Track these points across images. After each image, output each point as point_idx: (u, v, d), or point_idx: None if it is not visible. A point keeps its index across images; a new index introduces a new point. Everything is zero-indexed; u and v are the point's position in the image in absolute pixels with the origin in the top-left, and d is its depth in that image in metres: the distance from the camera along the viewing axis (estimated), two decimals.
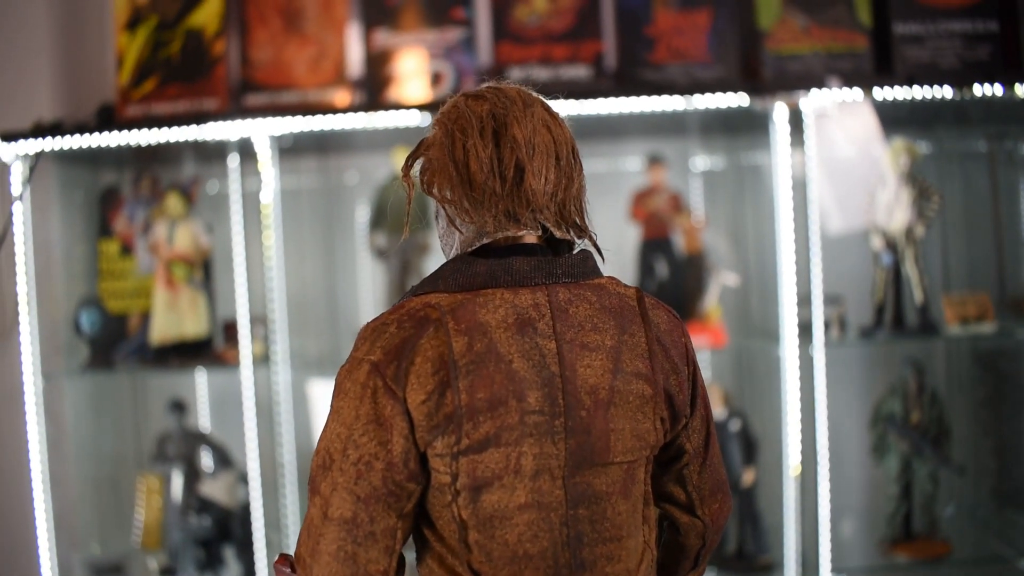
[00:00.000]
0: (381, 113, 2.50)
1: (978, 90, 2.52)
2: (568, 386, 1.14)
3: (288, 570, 1.32)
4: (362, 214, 3.02)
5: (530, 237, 1.21)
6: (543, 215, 1.18)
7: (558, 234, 1.21)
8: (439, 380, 1.11)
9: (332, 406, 1.16)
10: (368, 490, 1.11)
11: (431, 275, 1.21)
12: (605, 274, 1.26)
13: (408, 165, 1.23)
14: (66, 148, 2.62)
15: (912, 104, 2.60)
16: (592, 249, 1.25)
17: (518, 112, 1.17)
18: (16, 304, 2.67)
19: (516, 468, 1.13)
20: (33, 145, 2.60)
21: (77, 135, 2.58)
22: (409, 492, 1.14)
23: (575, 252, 1.24)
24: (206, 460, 2.80)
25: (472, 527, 1.14)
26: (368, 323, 1.18)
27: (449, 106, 1.22)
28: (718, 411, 2.69)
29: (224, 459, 2.80)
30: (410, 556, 1.23)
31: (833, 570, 2.57)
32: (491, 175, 1.15)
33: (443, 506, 1.15)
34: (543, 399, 1.13)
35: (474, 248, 1.20)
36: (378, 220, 2.78)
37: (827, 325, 2.60)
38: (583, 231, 1.22)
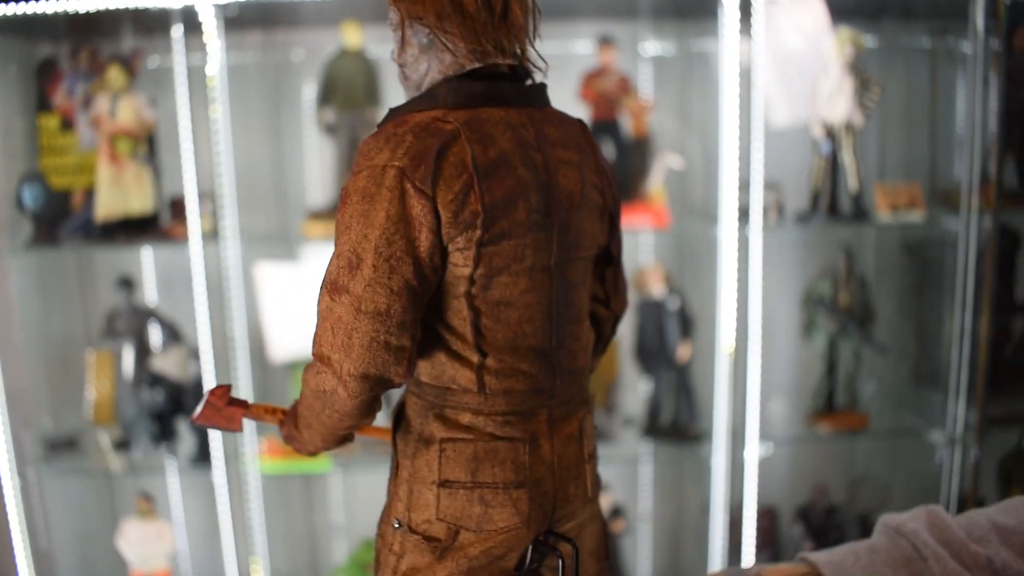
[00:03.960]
0: None
1: None
2: (554, 191, 1.33)
3: (221, 403, 1.43)
4: (309, 91, 2.98)
5: (504, 67, 1.35)
6: (519, 46, 1.33)
7: (524, 64, 1.35)
8: (463, 182, 1.25)
9: (354, 211, 1.25)
10: (401, 283, 1.24)
11: (423, 95, 1.32)
12: None
13: None
14: (3, 15, 2.52)
15: None
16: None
17: None
18: None
19: (521, 258, 1.31)
20: None
21: (12, 1, 2.48)
22: (430, 285, 1.29)
23: (537, 83, 1.39)
24: (156, 335, 2.83)
25: (484, 312, 1.32)
26: (372, 137, 1.28)
27: None
28: (659, 289, 2.79)
29: (174, 334, 2.83)
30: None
31: (760, 439, 2.74)
32: (481, 6, 1.28)
33: (454, 297, 1.32)
34: (540, 200, 1.31)
35: (464, 71, 1.31)
36: (327, 95, 2.75)
37: (765, 210, 2.69)
38: (544, 63, 1.37)
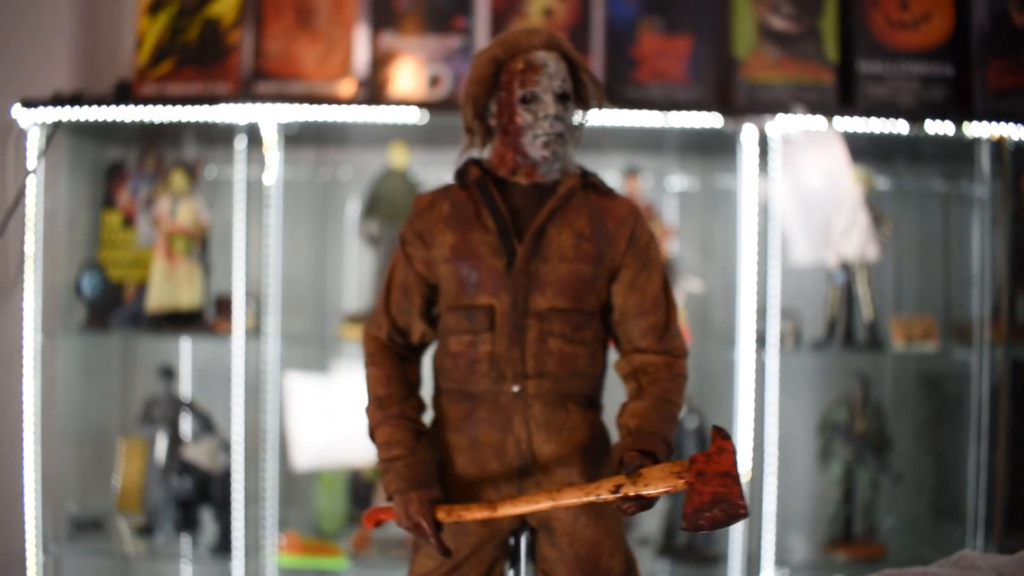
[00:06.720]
0: (382, 107, 2.69)
1: (930, 127, 2.76)
2: None
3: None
4: (353, 207, 3.19)
5: None
6: None
7: None
8: None
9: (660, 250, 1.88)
10: None
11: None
12: None
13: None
14: (82, 120, 2.78)
15: (871, 137, 2.82)
16: None
17: None
18: (22, 263, 2.81)
19: None
20: (51, 114, 2.76)
21: (95, 107, 2.74)
22: None
23: None
24: (190, 425, 2.93)
25: None
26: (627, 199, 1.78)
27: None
28: None
29: (207, 425, 2.94)
30: None
31: (776, 564, 2.74)
32: None
33: None
34: None
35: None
36: (371, 209, 2.95)
37: (782, 336, 2.79)
38: None
